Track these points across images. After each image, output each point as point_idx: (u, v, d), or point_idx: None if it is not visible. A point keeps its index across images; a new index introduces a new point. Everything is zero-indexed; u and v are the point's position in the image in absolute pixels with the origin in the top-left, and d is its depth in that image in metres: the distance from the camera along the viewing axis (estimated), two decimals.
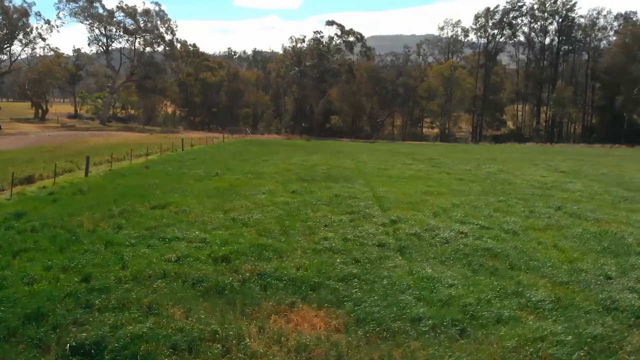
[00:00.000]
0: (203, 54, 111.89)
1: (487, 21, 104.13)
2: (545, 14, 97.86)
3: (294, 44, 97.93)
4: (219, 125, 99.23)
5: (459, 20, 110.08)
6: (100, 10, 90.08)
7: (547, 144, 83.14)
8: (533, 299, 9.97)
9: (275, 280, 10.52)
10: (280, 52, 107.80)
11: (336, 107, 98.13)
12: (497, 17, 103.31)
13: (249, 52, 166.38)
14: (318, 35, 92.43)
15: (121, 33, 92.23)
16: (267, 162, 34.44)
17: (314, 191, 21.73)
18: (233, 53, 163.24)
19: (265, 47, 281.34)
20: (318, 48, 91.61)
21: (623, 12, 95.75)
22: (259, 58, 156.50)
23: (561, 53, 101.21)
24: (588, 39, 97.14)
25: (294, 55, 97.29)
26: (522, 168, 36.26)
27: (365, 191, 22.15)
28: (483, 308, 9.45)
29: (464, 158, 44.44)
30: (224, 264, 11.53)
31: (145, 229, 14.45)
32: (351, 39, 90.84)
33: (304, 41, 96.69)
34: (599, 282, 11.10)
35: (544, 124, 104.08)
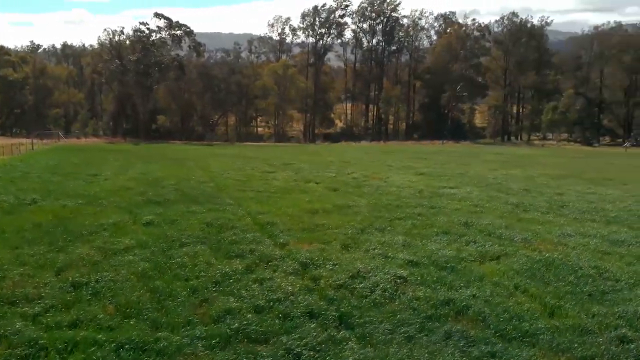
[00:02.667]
0: (2, 47, 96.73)
1: (314, 20, 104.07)
2: (373, 14, 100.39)
3: (111, 36, 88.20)
4: (25, 129, 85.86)
5: (288, 18, 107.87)
6: None
7: (380, 142, 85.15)
8: None
9: None
10: (96, 46, 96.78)
11: (163, 105, 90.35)
12: (324, 15, 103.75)
13: (58, 45, 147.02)
14: (144, 27, 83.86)
15: None
16: (98, 177, 27.91)
17: (176, 220, 16.66)
18: (37, 47, 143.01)
19: (75, 41, 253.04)
20: (142, 41, 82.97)
21: (443, 13, 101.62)
22: (69, 52, 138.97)
23: (386, 53, 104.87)
24: (410, 39, 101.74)
25: (113, 49, 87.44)
26: (382, 171, 34.54)
27: (242, 216, 17.64)
28: None
29: (317, 161, 41.83)
30: None
31: None
32: (179, 32, 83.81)
33: (122, 33, 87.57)
34: (627, 355, 8.24)
35: (371, 122, 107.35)
